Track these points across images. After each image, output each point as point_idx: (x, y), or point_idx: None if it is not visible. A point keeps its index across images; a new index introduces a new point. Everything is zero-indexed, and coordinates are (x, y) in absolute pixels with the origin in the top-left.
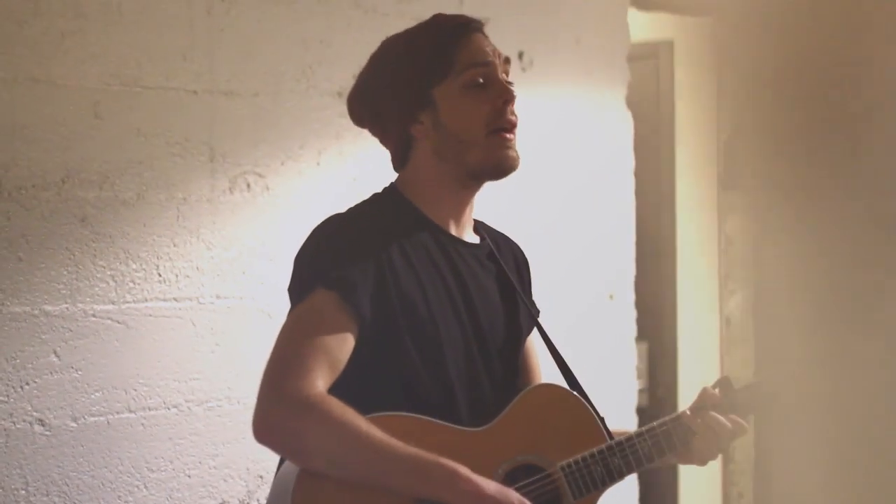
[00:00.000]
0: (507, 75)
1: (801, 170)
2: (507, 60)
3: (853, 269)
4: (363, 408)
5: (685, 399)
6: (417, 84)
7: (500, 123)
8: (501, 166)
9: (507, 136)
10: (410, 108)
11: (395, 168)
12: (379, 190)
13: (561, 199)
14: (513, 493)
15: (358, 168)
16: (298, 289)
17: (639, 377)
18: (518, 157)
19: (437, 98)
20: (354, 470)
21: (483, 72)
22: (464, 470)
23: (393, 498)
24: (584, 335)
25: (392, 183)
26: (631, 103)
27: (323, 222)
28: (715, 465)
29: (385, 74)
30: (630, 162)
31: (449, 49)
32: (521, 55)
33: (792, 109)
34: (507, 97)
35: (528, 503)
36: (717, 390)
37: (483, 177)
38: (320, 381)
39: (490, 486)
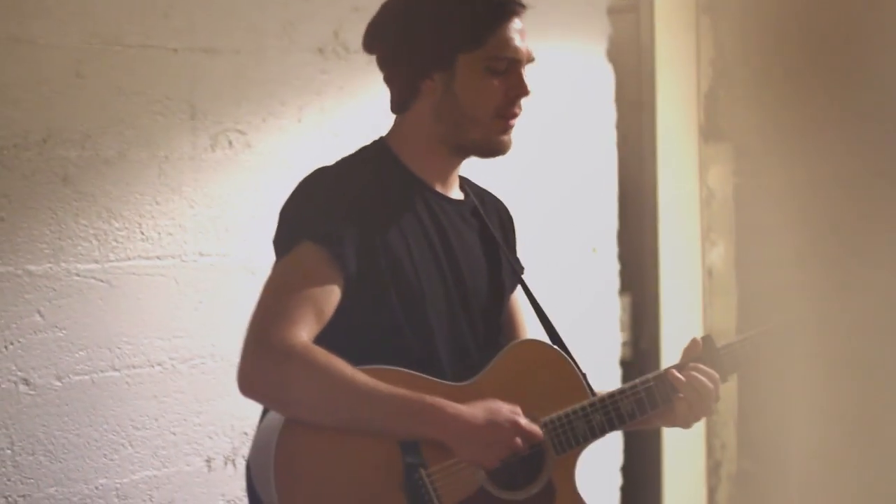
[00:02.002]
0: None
1: (791, 115)
2: (531, 59)
3: (845, 213)
4: (347, 360)
5: (668, 351)
6: (444, 45)
7: (507, 114)
8: (495, 149)
9: (510, 123)
10: (428, 63)
11: (392, 110)
12: (362, 144)
13: (542, 154)
14: (501, 416)
15: (339, 124)
16: (284, 241)
17: (622, 330)
18: (511, 142)
19: (458, 65)
20: (341, 415)
21: (509, 63)
22: (450, 407)
23: (377, 448)
24: (567, 289)
25: (381, 137)
26: (612, 56)
27: (310, 175)
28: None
29: (415, 20)
30: (612, 115)
31: (488, 25)
32: None
33: (781, 52)
34: (522, 93)
35: (519, 420)
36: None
37: (473, 153)
38: (305, 332)
39: (478, 415)
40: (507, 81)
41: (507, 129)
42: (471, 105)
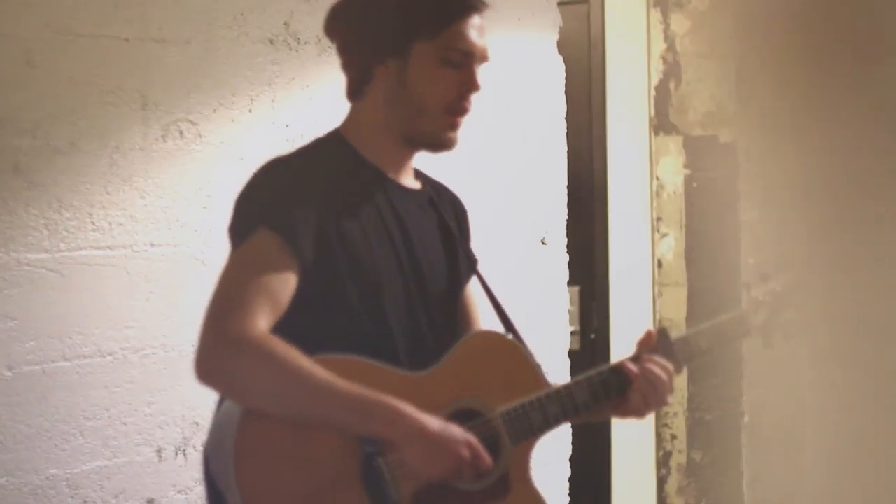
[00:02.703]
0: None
1: (742, 108)
2: (485, 57)
3: (795, 204)
4: (304, 350)
5: (618, 342)
6: (400, 31)
7: (457, 108)
8: (442, 144)
9: (459, 119)
10: (383, 48)
11: (348, 97)
12: (314, 136)
13: (493, 145)
14: (456, 430)
15: (290, 115)
16: (240, 229)
17: (571, 321)
18: (457, 140)
19: (413, 53)
20: (297, 408)
21: (464, 57)
22: (407, 408)
23: (336, 436)
24: (516, 279)
25: (335, 128)
26: (562, 47)
27: (266, 163)
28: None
29: (375, 5)
30: (561, 107)
31: (447, 17)
32: None
33: (735, 46)
34: (473, 88)
35: (473, 439)
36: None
37: (421, 146)
38: (262, 321)
39: (434, 423)
40: (459, 75)
41: (454, 125)
42: (421, 94)
